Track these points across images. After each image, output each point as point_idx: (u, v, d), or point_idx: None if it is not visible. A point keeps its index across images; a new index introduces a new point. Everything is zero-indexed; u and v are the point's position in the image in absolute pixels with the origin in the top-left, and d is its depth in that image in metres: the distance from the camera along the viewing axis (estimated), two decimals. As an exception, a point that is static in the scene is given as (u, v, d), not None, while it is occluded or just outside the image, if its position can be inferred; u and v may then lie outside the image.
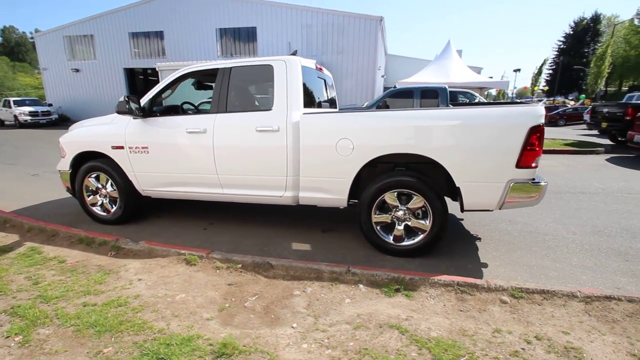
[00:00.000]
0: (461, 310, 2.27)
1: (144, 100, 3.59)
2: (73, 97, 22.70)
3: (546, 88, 39.17)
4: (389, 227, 3.13)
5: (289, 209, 4.34)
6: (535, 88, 48.55)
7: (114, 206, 3.98)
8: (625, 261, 3.01)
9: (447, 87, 8.49)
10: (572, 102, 36.45)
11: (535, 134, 2.62)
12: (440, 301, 2.37)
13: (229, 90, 3.36)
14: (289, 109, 3.15)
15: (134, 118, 3.65)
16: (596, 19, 55.79)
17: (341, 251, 3.26)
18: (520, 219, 4.13)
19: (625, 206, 4.56)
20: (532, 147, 2.65)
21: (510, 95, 43.29)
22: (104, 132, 3.78)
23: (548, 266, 2.96)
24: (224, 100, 3.36)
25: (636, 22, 42.89)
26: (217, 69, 3.45)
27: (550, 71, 57.09)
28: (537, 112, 2.64)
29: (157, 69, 17.25)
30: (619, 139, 9.61)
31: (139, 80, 25.13)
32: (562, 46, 58.37)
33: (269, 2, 18.84)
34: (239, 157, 3.32)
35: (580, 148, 9.23)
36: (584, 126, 17.35)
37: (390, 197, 3.03)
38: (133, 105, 3.38)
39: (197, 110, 4.55)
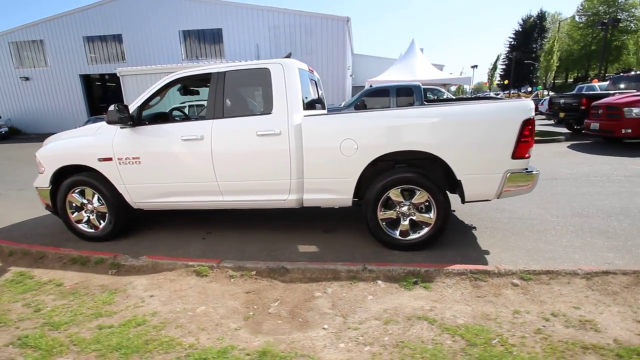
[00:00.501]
0: (479, 296, 2.39)
1: (131, 109, 3.42)
2: (24, 107, 21.05)
3: (506, 81, 41.66)
4: (394, 223, 3.22)
5: (286, 212, 4.33)
6: (494, 82, 51.39)
7: (102, 222, 3.76)
8: (608, 238, 3.30)
9: (420, 85, 8.81)
10: (525, 95, 38.97)
11: (527, 126, 2.81)
12: (458, 289, 2.48)
13: (225, 95, 3.29)
14: (290, 112, 3.15)
15: (121, 127, 3.47)
16: (542, 16, 60.02)
17: (348, 250, 3.31)
18: (506, 206, 4.38)
19: (594, 188, 4.98)
20: (526, 138, 2.84)
21: (467, 90, 45.58)
22: (88, 143, 3.56)
23: (542, 248, 3.17)
24: (220, 106, 3.29)
25: (577, 18, 46.75)
26: (211, 73, 3.36)
27: (504, 66, 60.75)
28: (527, 106, 2.83)
29: (118, 75, 16.47)
30: (576, 127, 10.43)
31: (96, 87, 23.76)
32: (512, 42, 62.18)
33: (233, 3, 18.54)
34: (240, 163, 3.26)
35: (543, 137, 9.92)
36: (541, 116, 18.64)
37: (394, 194, 3.11)
38: (122, 114, 3.21)
39: (187, 117, 4.40)
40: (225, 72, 3.32)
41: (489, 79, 51.89)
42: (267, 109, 3.21)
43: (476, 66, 43.61)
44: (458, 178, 2.97)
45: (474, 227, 3.75)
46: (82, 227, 3.81)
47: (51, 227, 4.36)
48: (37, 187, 3.87)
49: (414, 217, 3.16)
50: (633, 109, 7.76)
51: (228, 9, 18.51)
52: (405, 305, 2.31)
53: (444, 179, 3.23)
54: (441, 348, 1.87)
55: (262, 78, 3.26)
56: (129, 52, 19.72)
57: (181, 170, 3.39)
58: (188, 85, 4.12)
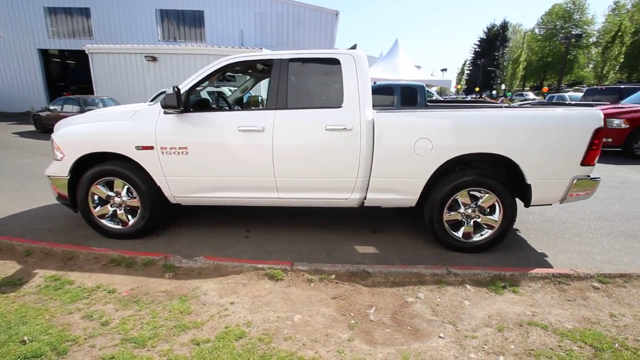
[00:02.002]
0: (569, 300, 2.43)
1: (178, 92, 3.06)
2: (-33, 82, 18.56)
3: (477, 89, 43.85)
4: (456, 225, 3.19)
5: (324, 210, 4.15)
6: (459, 87, 53.81)
7: (131, 217, 3.36)
8: (642, 242, 3.52)
9: (424, 85, 8.91)
10: (492, 99, 41.28)
11: (598, 134, 2.89)
12: (547, 293, 2.50)
13: (289, 84, 3.04)
14: (361, 107, 2.98)
15: (164, 113, 3.10)
16: (505, 26, 63.65)
17: (408, 251, 3.23)
18: (533, 209, 4.54)
19: (599, 194, 5.28)
20: (596, 146, 2.92)
21: (432, 92, 47.43)
22: (124, 129, 3.14)
23: (590, 251, 3.31)
24: (283, 95, 3.04)
25: (537, 31, 50.13)
26: (272, 59, 3.09)
27: (468, 71, 63.81)
28: (599, 115, 2.91)
29: (87, 52, 15.06)
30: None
31: (54, 64, 21.54)
32: (477, 49, 65.43)
33: (217, -15, 17.60)
34: (303, 158, 3.04)
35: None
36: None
37: (463, 196, 3.08)
38: (179, 99, 2.85)
39: (228, 105, 4.04)
40: (289, 59, 3.06)
41: (457, 82, 54.34)
42: (337, 102, 3.01)
43: (445, 69, 45.48)
44: (528, 182, 2.99)
45: (517, 230, 3.84)
46: (106, 222, 3.38)
47: (58, 220, 3.84)
48: (50, 176, 3.37)
49: (478, 220, 3.15)
50: (614, 120, 8.43)
51: (211, -9, 17.54)
52: (506, 311, 2.28)
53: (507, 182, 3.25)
54: (574, 355, 1.85)
55: (330, 68, 3.05)
56: (97, 28, 18.00)
57: (235, 163, 3.10)
58: (241, 70, 3.78)
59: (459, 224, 3.18)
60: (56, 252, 2.90)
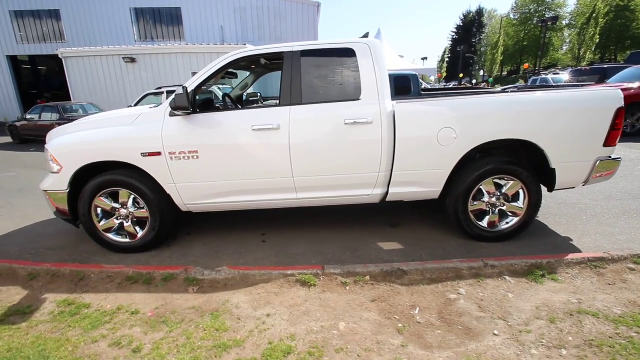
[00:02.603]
0: (609, 284, 2.39)
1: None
2: None
3: (462, 75, 44.50)
4: (481, 215, 3.12)
5: (338, 208, 4.02)
6: (443, 74, 54.39)
7: (139, 229, 3.14)
8: (659, 219, 3.55)
9: (417, 74, 8.83)
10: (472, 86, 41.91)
11: (619, 114, 2.85)
12: (586, 279, 2.46)
13: (302, 78, 2.88)
14: (381, 98, 2.85)
15: (170, 115, 2.89)
16: (480, 12, 64.50)
17: (433, 245, 3.15)
18: (544, 193, 4.54)
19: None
20: (617, 126, 2.88)
21: (422, 82, 47.81)
22: (127, 135, 2.91)
23: (612, 232, 3.30)
24: (297, 90, 2.87)
25: (512, 16, 51.00)
26: (283, 52, 2.91)
27: (448, 59, 64.52)
28: (619, 94, 2.87)
29: (60, 56, 14.37)
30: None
31: (24, 71, 20.48)
32: (455, 37, 66.11)
33: (193, -20, 17.01)
34: (322, 156, 2.90)
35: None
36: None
37: (487, 184, 3.00)
38: (189, 99, 2.64)
39: (234, 103, 3.83)
40: (300, 51, 2.89)
41: (439, 70, 54.91)
42: (354, 95, 2.87)
43: (426, 58, 45.77)
44: (552, 166, 2.94)
45: (534, 214, 3.81)
46: (113, 236, 3.16)
47: (57, 237, 3.58)
48: (47, 190, 3.11)
49: (503, 208, 3.09)
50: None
51: (187, -13, 16.92)
52: (552, 301, 2.22)
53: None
54: (635, 342, 1.80)
55: (345, 59, 2.90)
56: (69, 31, 17.14)
57: (250, 165, 2.92)
58: (247, 66, 3.57)
59: (483, 213, 3.12)
60: (64, 273, 2.68)
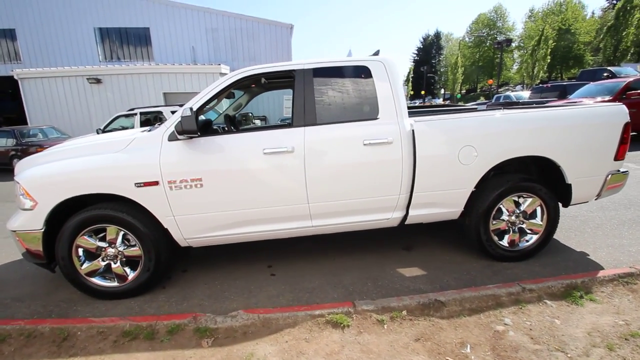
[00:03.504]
0: (648, 301, 2.32)
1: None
2: None
3: (424, 92, 46.74)
4: (500, 234, 3.03)
5: (338, 234, 3.80)
6: (409, 93, 56.78)
7: (130, 270, 2.73)
8: (660, 228, 3.64)
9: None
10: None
11: (626, 129, 2.91)
12: (622, 297, 2.38)
13: (316, 96, 2.69)
14: (399, 116, 2.72)
15: (169, 140, 2.57)
16: (438, 35, 68.77)
17: (455, 267, 2.99)
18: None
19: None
20: (625, 140, 2.93)
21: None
22: (118, 163, 2.54)
23: (620, 243, 3.31)
24: (312, 110, 2.67)
25: (467, 39, 54.72)
26: (294, 70, 2.72)
27: (411, 79, 67.68)
28: (625, 110, 2.94)
29: (15, 77, 13.34)
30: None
31: (-29, 92, 18.81)
32: (416, 58, 69.72)
33: (162, 0, 16.64)
34: (341, 178, 2.69)
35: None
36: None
37: (507, 202, 2.92)
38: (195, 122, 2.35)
39: (236, 125, 3.55)
40: (312, 69, 2.71)
41: (405, 90, 57.49)
42: (372, 114, 2.71)
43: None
44: (568, 182, 2.92)
45: (542, 229, 3.79)
46: (98, 280, 2.71)
47: (24, 284, 3.05)
48: (16, 231, 2.63)
49: (522, 225, 3.01)
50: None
51: (156, 7, 16.49)
52: (599, 324, 2.10)
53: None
54: None
55: (359, 77, 2.76)
56: (26, 51, 16.01)
57: (261, 192, 2.64)
58: (250, 84, 3.32)
59: (503, 232, 3.02)
60: (42, 331, 2.21)
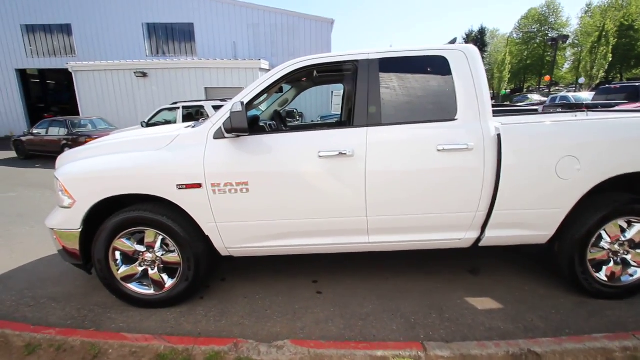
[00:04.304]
0: None
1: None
2: None
3: None
4: (597, 265, 2.47)
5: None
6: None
7: (168, 277, 2.50)
8: None
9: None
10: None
11: None
12: None
13: (382, 91, 2.29)
14: (482, 117, 2.26)
15: (215, 138, 2.30)
16: (482, 31, 65.22)
17: (538, 302, 2.48)
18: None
19: None
20: None
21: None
22: (160, 162, 2.30)
23: None
24: (376, 107, 2.28)
25: (515, 35, 51.35)
26: (357, 60, 2.34)
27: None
28: None
29: (70, 70, 14.10)
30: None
31: (32, 85, 20.27)
32: (459, 55, 66.42)
33: (207, -4, 16.89)
34: (407, 190, 2.28)
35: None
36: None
37: (612, 227, 2.37)
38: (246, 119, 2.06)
39: (284, 123, 3.25)
40: (379, 59, 2.32)
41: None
42: (449, 114, 2.27)
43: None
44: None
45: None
46: (134, 287, 2.51)
47: (63, 281, 2.94)
48: (54, 229, 2.49)
49: (627, 256, 2.44)
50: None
51: (201, 3, 16.77)
52: None
53: None
54: None
55: (435, 70, 2.33)
56: (80, 45, 16.94)
57: (312, 200, 2.30)
58: (302, 78, 3.01)
59: (600, 262, 2.47)
60: (73, 345, 2.02)
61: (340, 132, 2.31)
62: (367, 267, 3.05)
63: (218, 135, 2.29)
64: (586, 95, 17.38)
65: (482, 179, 2.25)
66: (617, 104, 9.79)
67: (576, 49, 46.62)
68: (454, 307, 2.45)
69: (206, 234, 2.40)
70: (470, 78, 2.27)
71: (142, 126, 8.51)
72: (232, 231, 2.39)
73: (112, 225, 2.38)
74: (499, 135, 2.24)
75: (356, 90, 2.31)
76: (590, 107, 3.56)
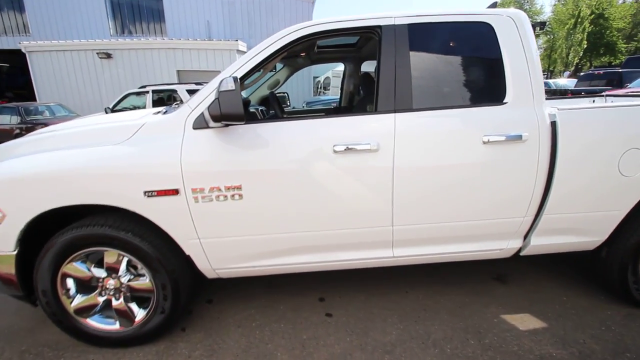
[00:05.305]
0: None
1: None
2: None
3: None
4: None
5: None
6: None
7: (138, 308, 1.95)
8: None
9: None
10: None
11: None
12: None
13: (413, 67, 1.79)
14: (536, 100, 1.82)
15: (195, 127, 1.73)
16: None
17: (586, 316, 2.13)
18: None
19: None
20: None
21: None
22: (119, 160, 1.71)
23: None
24: (405, 88, 1.78)
25: None
26: (380, 26, 1.81)
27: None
28: None
29: (23, 50, 12.64)
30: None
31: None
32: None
33: (177, -29, 15.52)
34: (444, 192, 1.82)
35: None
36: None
37: (673, 231, 2.03)
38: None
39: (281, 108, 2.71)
40: (407, 24, 1.80)
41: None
42: (495, 96, 1.81)
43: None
44: None
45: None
46: (94, 322, 1.95)
47: (10, 312, 2.32)
48: (-23, 252, 1.86)
49: (685, 263, 2.12)
50: None
51: (170, -22, 15.39)
52: None
53: None
54: None
55: (477, 40, 1.84)
56: (35, 23, 15.16)
57: (325, 207, 1.80)
58: (300, 52, 2.45)
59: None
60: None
61: (361, 120, 1.80)
62: (378, 278, 2.61)
63: (199, 125, 1.72)
64: (564, 82, 17.61)
65: (535, 177, 1.82)
66: (602, 90, 9.78)
67: (549, 36, 47.67)
68: (492, 328, 2.05)
69: (187, 253, 1.86)
70: (521, 50, 1.81)
71: (106, 112, 7.61)
72: (221, 249, 1.85)
73: (59, 247, 1.79)
74: (553, 123, 1.81)
75: (380, 65, 1.79)
76: (574, 94, 3.24)
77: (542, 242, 2.02)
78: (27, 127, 8.56)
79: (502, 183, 1.82)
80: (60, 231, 1.80)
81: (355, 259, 1.97)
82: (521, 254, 2.09)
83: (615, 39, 40.86)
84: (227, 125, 1.69)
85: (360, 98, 2.90)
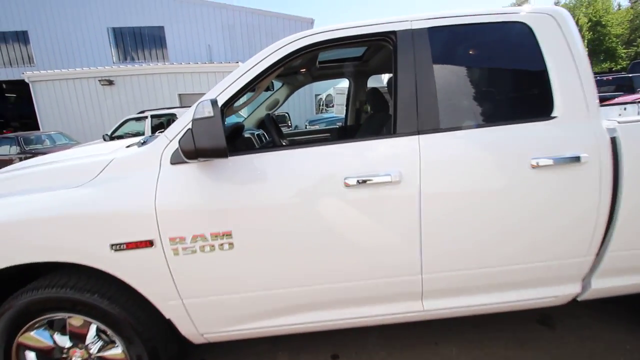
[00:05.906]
0: None
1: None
2: None
3: None
4: None
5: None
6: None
7: (111, 382, 1.59)
8: None
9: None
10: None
11: None
12: None
13: (437, 79, 1.47)
14: (591, 111, 1.47)
15: (172, 163, 1.42)
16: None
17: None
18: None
19: None
20: None
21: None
22: (79, 207, 1.38)
23: None
24: (430, 105, 1.45)
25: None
26: (393, 32, 1.50)
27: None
28: None
29: (26, 80, 12.70)
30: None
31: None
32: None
33: (178, -3, 15.80)
34: (482, 231, 1.46)
35: None
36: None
37: None
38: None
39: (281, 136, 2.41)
40: (428, 28, 1.50)
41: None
42: (541, 109, 1.48)
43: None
44: None
45: None
46: (56, 402, 1.58)
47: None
48: None
49: None
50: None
51: (170, 4, 15.63)
52: None
53: None
54: None
55: (513, 43, 1.53)
56: (39, 54, 15.44)
57: (337, 254, 1.45)
58: (309, 66, 2.16)
59: None
60: None
61: (376, 145, 1.47)
62: (400, 328, 2.19)
63: (178, 159, 1.40)
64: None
65: (597, 208, 1.46)
66: (615, 97, 9.43)
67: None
68: (550, 395, 1.64)
69: (166, 316, 1.50)
70: (568, 54, 1.49)
71: (105, 140, 7.43)
72: (208, 310, 1.50)
73: (12, 314, 1.45)
74: (613, 139, 1.46)
75: (397, 79, 1.47)
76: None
77: (606, 285, 1.63)
78: (27, 157, 8.40)
79: (556, 217, 1.46)
80: (13, 295, 1.47)
81: (375, 314, 1.59)
82: (579, 299, 1.70)
83: (615, 45, 40.87)
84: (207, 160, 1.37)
85: (368, 116, 2.60)
